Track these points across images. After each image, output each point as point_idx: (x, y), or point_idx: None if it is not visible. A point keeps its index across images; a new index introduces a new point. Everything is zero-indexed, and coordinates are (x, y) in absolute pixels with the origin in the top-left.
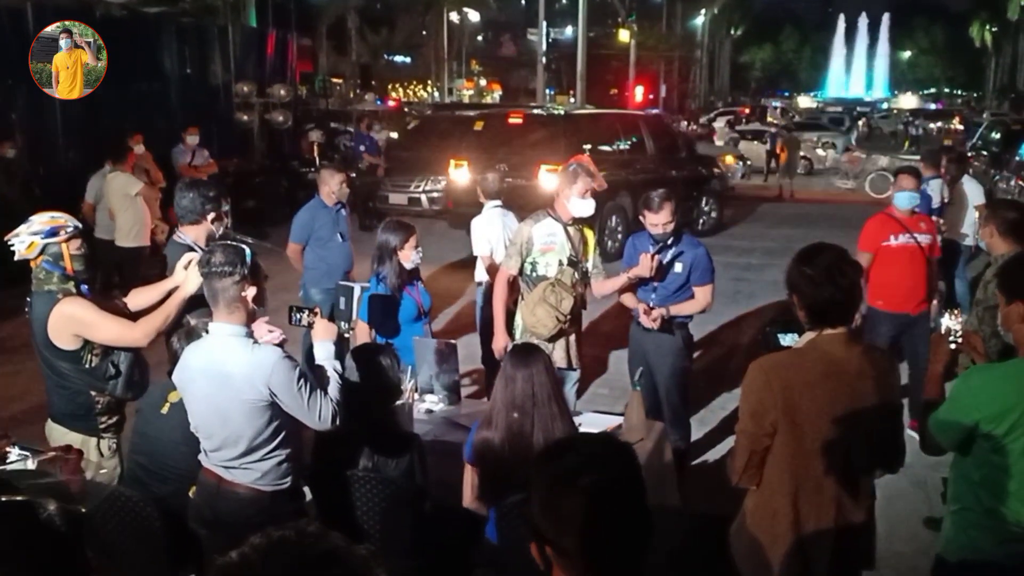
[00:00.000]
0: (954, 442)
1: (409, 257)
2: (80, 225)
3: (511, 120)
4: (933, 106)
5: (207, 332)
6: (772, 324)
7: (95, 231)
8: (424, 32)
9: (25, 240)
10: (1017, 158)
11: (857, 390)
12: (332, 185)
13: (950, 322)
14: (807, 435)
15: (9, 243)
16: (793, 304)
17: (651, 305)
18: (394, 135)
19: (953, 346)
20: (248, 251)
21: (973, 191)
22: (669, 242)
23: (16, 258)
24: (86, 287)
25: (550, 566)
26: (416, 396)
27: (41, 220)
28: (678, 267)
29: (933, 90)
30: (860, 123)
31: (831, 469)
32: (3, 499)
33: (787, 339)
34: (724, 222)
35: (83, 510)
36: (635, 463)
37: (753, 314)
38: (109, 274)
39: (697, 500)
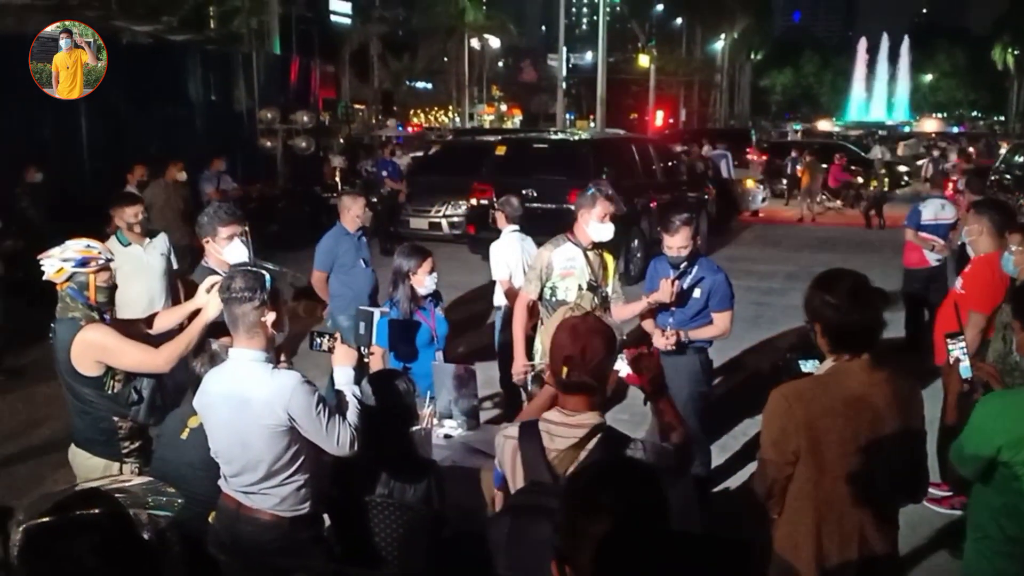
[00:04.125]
0: (976, 471)
1: (423, 282)
2: (112, 257)
3: (535, 146)
4: (956, 129)
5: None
6: (793, 350)
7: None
8: (445, 58)
9: (55, 264)
10: None
11: (880, 418)
12: (355, 210)
13: (958, 351)
14: (829, 464)
15: (40, 262)
16: (813, 332)
17: (668, 329)
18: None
19: (965, 375)
20: (268, 277)
21: None
22: (687, 267)
23: (44, 278)
24: (108, 317)
25: None
26: (435, 421)
27: (75, 248)
28: (697, 292)
29: (957, 113)
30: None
31: (854, 498)
32: (95, 511)
33: (808, 365)
34: (727, 242)
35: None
36: (659, 488)
37: (775, 339)
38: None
39: (719, 526)
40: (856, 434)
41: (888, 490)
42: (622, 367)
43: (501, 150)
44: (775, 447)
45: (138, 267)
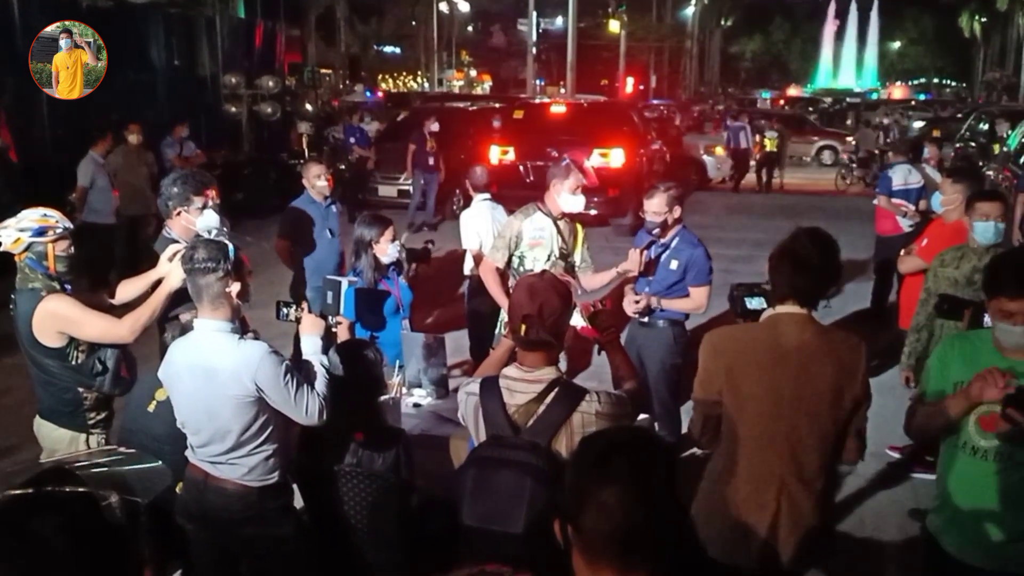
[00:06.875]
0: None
1: (386, 251)
2: (71, 226)
3: (553, 109)
4: (923, 96)
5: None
6: (739, 287)
7: (86, 216)
8: (414, 22)
9: (12, 235)
10: (1004, 149)
11: (806, 375)
12: (308, 178)
13: (755, 303)
14: (746, 408)
15: None
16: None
17: (640, 294)
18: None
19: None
20: (231, 246)
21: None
22: (657, 234)
23: (0, 249)
24: (69, 287)
25: (569, 546)
26: (404, 390)
27: (32, 217)
28: (673, 264)
29: (923, 80)
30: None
31: (772, 451)
32: (65, 490)
33: (754, 302)
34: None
35: (141, 502)
36: (670, 462)
37: None
38: (106, 262)
39: (685, 493)
40: (776, 385)
41: (813, 446)
42: (577, 321)
43: (519, 113)
44: (701, 386)
45: None
